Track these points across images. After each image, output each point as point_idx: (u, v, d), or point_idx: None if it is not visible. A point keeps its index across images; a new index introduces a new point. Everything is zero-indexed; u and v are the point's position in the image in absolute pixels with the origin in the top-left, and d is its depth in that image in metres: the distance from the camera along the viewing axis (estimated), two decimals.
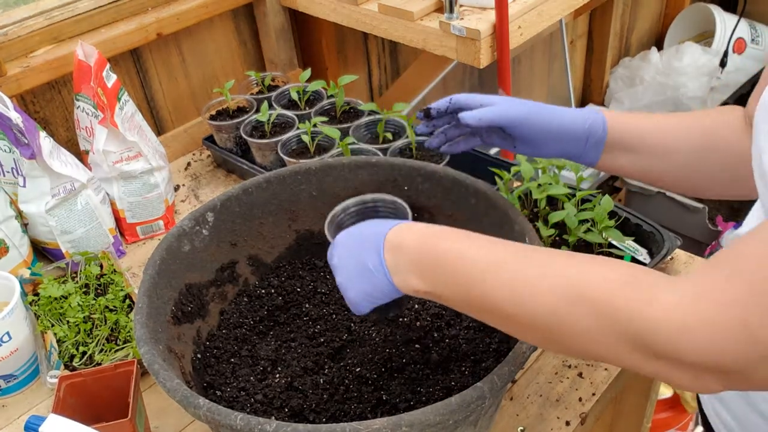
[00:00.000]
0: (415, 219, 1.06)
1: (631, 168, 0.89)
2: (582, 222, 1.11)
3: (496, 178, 1.20)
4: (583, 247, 1.15)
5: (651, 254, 1.12)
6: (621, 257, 1.12)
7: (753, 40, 3.03)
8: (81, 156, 1.36)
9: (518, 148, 0.91)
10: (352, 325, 1.02)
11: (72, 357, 1.07)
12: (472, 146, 0.96)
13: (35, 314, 1.13)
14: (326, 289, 1.08)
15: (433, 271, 0.69)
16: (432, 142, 0.96)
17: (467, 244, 0.69)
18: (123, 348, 1.08)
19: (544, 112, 0.88)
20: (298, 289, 1.08)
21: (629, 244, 1.12)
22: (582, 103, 3.19)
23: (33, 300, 1.16)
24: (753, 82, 2.74)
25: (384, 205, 0.96)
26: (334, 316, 1.04)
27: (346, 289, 0.76)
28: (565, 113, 0.88)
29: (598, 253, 1.13)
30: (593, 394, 0.98)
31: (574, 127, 0.87)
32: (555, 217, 1.10)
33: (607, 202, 1.12)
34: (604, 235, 1.08)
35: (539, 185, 1.15)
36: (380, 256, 0.71)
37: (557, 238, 1.17)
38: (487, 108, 0.88)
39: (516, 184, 1.30)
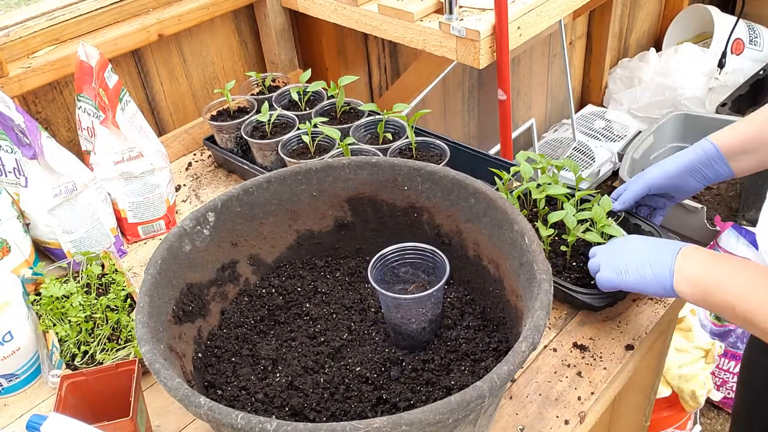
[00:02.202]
0: (414, 219, 1.07)
1: (761, 167, 1.08)
2: (581, 222, 1.12)
3: (496, 179, 1.20)
4: (582, 246, 1.15)
5: None
6: None
7: (751, 40, 3.04)
8: (82, 156, 1.37)
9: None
10: (353, 324, 1.02)
11: (73, 356, 1.07)
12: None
13: (37, 314, 1.14)
14: (326, 289, 1.08)
15: (705, 291, 0.88)
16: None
17: (731, 271, 0.87)
18: (124, 347, 1.08)
19: (667, 180, 1.12)
20: (299, 289, 1.08)
21: None
22: (581, 103, 3.19)
23: (35, 299, 1.16)
24: (751, 82, 2.74)
25: (423, 254, 0.99)
26: (334, 315, 1.04)
27: (617, 269, 0.97)
28: (686, 172, 1.10)
29: None
30: (592, 393, 0.99)
31: (701, 182, 1.12)
32: (554, 217, 1.10)
33: (606, 202, 1.12)
34: (603, 235, 1.09)
35: (538, 185, 1.16)
36: (673, 258, 0.92)
37: (556, 238, 1.17)
38: (624, 195, 1.15)
39: (515, 184, 1.30)
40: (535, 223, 1.14)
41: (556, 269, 1.12)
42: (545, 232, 1.10)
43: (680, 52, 3.00)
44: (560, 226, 1.17)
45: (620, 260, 0.98)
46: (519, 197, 1.21)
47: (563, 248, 1.12)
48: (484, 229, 0.98)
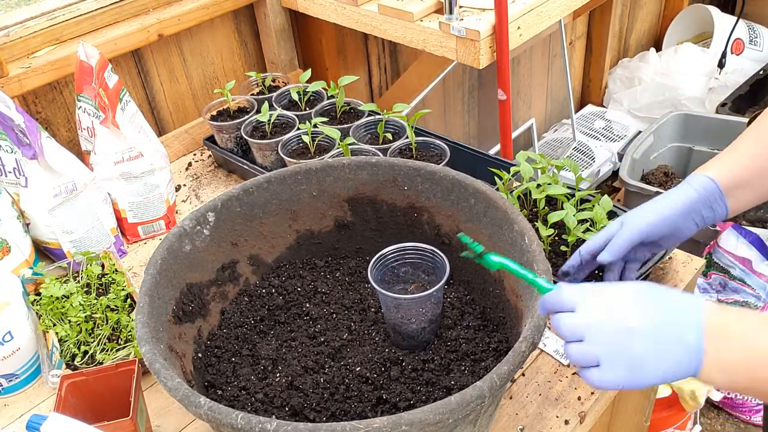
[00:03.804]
0: (414, 219, 1.07)
1: (756, 203, 0.95)
2: (581, 222, 1.12)
3: (496, 179, 1.20)
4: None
5: None
6: None
7: (751, 40, 3.04)
8: (82, 156, 1.37)
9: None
10: (353, 324, 1.02)
11: (73, 356, 1.07)
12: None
13: (37, 314, 1.14)
14: (326, 289, 1.08)
15: (748, 380, 0.66)
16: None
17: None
18: (124, 347, 1.08)
19: (664, 224, 0.92)
20: (299, 289, 1.08)
21: None
22: (581, 103, 3.19)
23: (35, 299, 1.16)
24: (751, 82, 2.74)
25: (423, 254, 0.98)
26: (334, 315, 1.04)
27: (627, 365, 0.67)
28: (684, 214, 0.91)
29: None
30: (592, 393, 0.99)
31: (697, 225, 0.93)
32: (554, 217, 1.10)
33: (606, 202, 1.12)
34: None
35: (538, 185, 1.16)
36: (698, 334, 0.66)
37: (556, 238, 1.17)
38: (613, 241, 0.93)
39: (515, 184, 1.30)
40: (535, 223, 1.13)
41: (556, 269, 1.12)
42: (545, 232, 1.10)
43: (680, 52, 3.00)
44: (560, 226, 1.16)
45: (628, 350, 0.67)
46: (519, 197, 1.21)
47: (563, 248, 1.12)
48: (484, 229, 0.98)
